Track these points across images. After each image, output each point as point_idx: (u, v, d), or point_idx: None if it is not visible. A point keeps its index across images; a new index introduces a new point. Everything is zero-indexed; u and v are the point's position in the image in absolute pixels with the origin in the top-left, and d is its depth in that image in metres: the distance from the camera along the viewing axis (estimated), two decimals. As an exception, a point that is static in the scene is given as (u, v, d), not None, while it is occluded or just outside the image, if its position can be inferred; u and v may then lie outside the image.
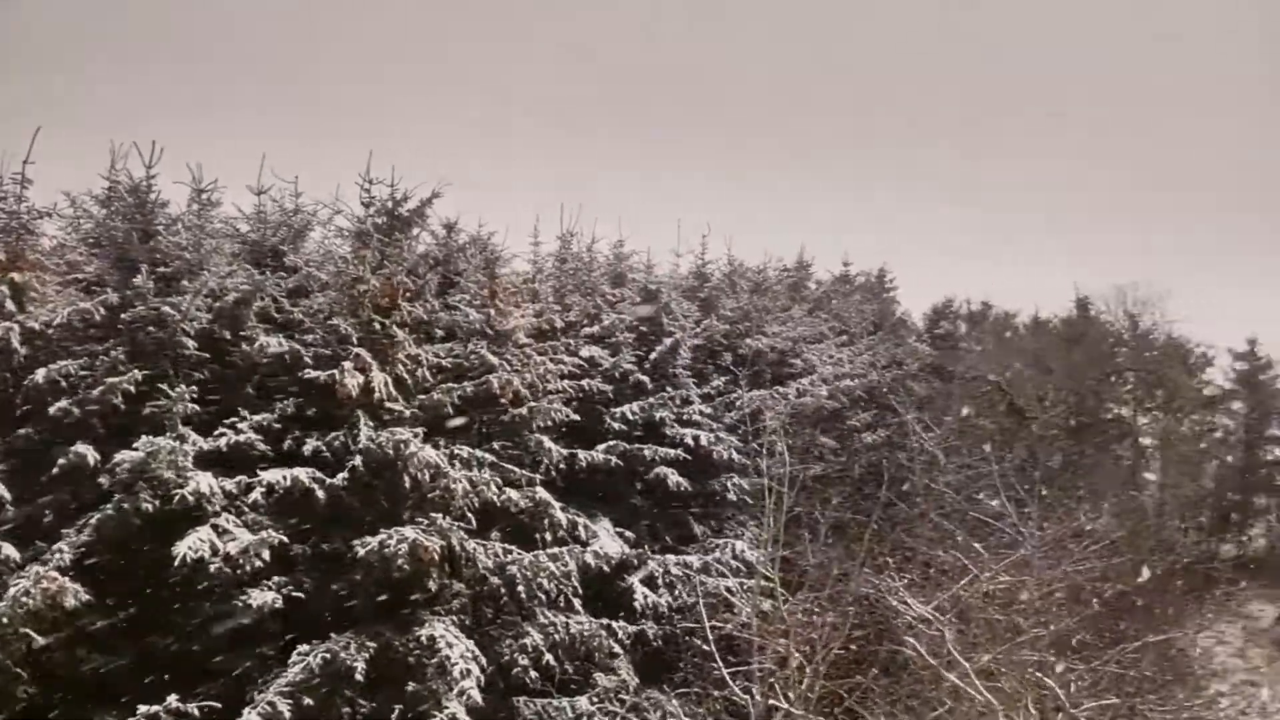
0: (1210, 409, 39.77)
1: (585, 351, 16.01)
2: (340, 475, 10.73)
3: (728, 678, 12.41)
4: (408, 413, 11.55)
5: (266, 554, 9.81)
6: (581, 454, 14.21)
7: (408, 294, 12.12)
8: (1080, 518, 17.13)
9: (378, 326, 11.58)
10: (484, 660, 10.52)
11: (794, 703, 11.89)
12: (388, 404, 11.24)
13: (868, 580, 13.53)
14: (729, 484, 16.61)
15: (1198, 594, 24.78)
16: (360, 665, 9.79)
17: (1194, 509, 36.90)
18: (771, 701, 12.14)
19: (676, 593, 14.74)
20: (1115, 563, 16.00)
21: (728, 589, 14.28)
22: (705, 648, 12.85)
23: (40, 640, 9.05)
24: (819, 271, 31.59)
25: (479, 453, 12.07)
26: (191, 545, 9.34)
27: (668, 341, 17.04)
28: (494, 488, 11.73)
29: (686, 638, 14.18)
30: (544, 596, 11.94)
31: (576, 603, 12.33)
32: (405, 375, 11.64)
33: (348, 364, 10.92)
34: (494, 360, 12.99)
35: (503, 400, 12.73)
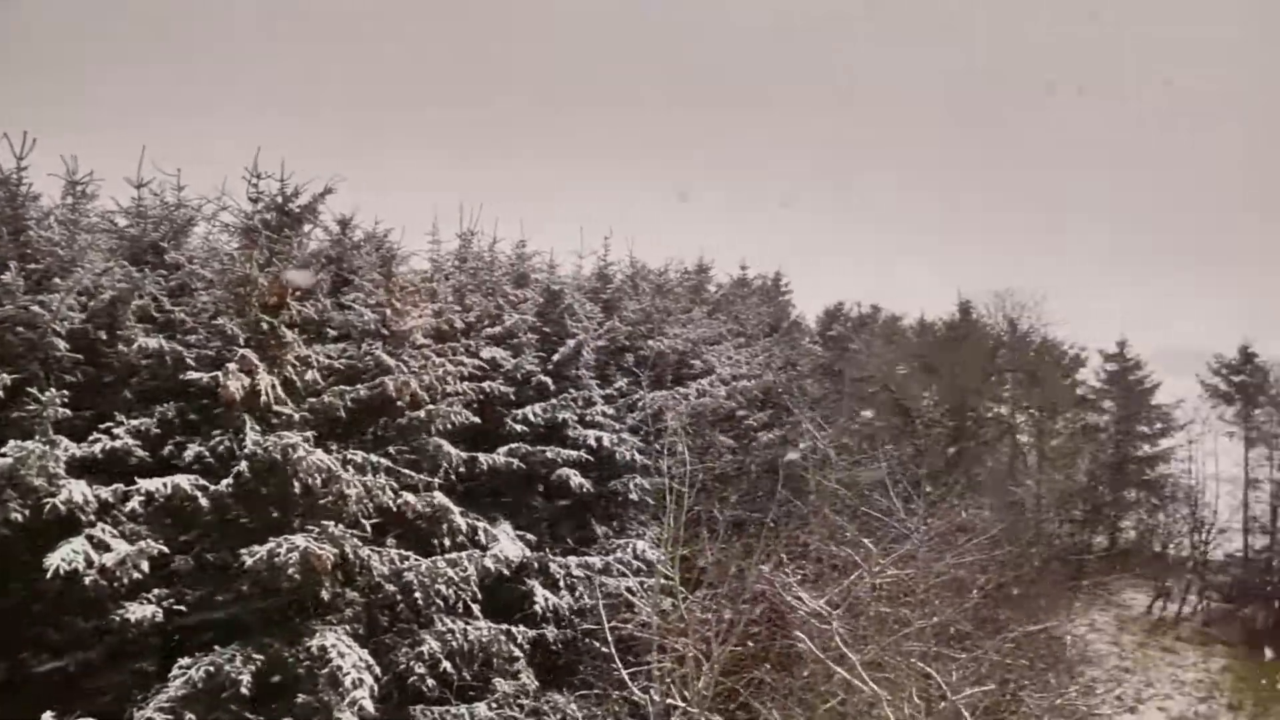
0: (1083, 408, 42.08)
1: (486, 353, 15.87)
2: (225, 482, 10.37)
3: (627, 678, 12.50)
4: (297, 416, 11.24)
5: (146, 565, 9.44)
6: (482, 457, 14.07)
7: (298, 293, 11.77)
8: (962, 513, 17.89)
9: (265, 326, 11.21)
10: (378, 669, 10.33)
11: (691, 700, 12.07)
12: (276, 407, 10.90)
13: (763, 577, 13.82)
14: (631, 484, 16.70)
15: (1072, 584, 26.32)
16: (246, 678, 9.52)
17: (1068, 503, 39.01)
18: (669, 700, 12.29)
19: (578, 594, 14.76)
20: (995, 555, 16.77)
21: (628, 589, 14.37)
22: (605, 649, 12.90)
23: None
24: (718, 274, 32.24)
25: (374, 457, 11.83)
26: (65, 557, 8.91)
27: (571, 343, 17.04)
28: (390, 492, 11.51)
29: (587, 640, 14.21)
30: (442, 603, 11.77)
31: (475, 608, 12.18)
32: (294, 377, 11.31)
33: (232, 365, 10.55)
34: (390, 362, 12.73)
35: (399, 403, 12.49)
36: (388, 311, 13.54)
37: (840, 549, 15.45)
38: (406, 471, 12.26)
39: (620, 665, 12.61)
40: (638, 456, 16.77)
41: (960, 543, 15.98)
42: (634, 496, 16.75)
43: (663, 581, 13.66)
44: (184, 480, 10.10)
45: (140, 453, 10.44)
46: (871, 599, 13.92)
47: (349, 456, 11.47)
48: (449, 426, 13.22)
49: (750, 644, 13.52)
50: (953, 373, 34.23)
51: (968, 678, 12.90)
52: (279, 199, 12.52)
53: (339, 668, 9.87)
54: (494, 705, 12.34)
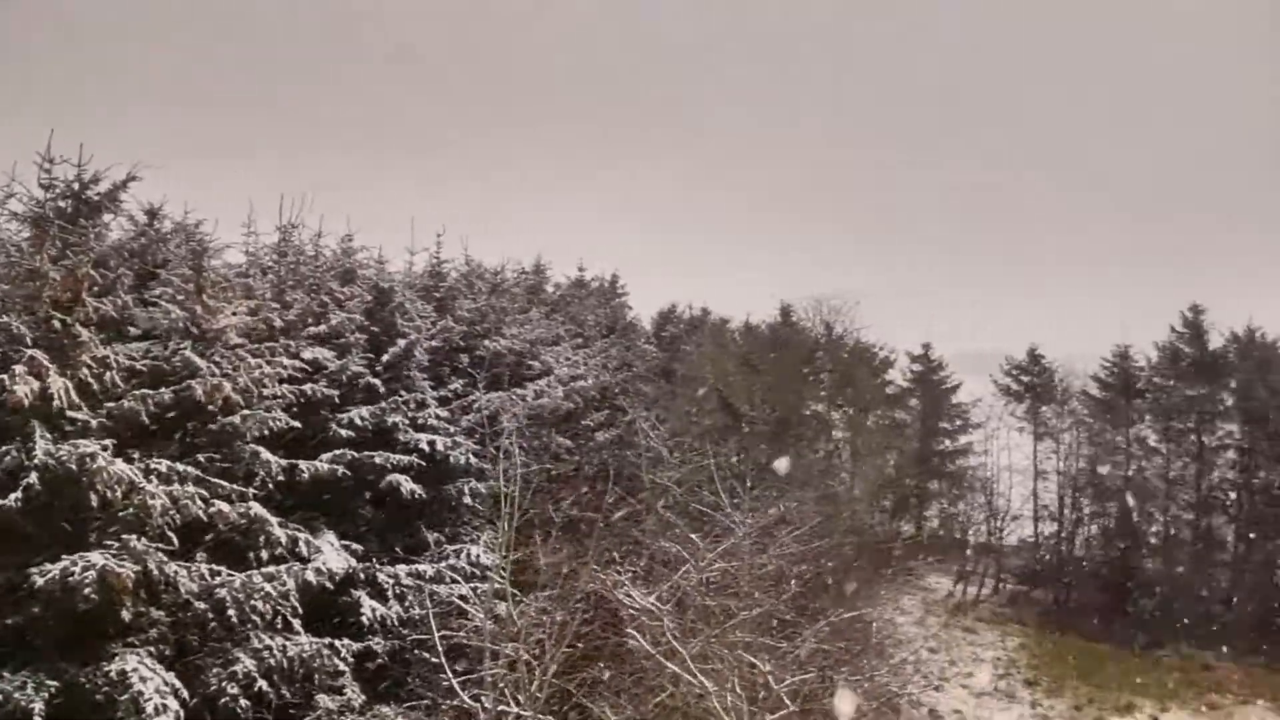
0: (892, 405, 45.13)
1: (309, 353, 15.19)
2: (13, 495, 9.56)
3: (457, 687, 12.30)
4: (94, 422, 10.45)
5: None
6: (303, 464, 13.45)
7: (95, 288, 10.92)
8: (782, 507, 18.68)
9: (58, 325, 10.39)
10: (186, 693, 9.75)
11: (523, 704, 12.03)
12: (70, 412, 10.12)
13: (595, 576, 13.96)
14: (465, 488, 16.40)
15: (882, 571, 28.12)
16: (38, 706, 8.89)
17: (879, 495, 41.64)
18: (501, 706, 12.19)
19: (407, 604, 14.35)
20: (813, 546, 17.66)
21: (461, 596, 14.12)
22: (435, 659, 12.65)
23: None
24: (556, 275, 32.34)
25: (181, 466, 11.10)
26: None
27: (402, 343, 16.57)
28: (199, 503, 10.82)
29: (416, 650, 13.87)
30: (259, 619, 11.20)
31: (296, 623, 11.68)
32: (91, 380, 10.51)
33: (20, 367, 9.73)
34: (200, 363, 12.00)
35: (210, 407, 11.78)
36: (198, 309, 12.74)
37: (670, 545, 15.83)
38: (218, 481, 11.57)
39: (450, 674, 12.40)
40: (473, 460, 16.50)
41: (781, 535, 16.71)
42: (468, 501, 16.46)
43: (496, 586, 13.54)
44: (-39, 495, 9.18)
45: (-88, 465, 9.47)
46: (699, 593, 14.35)
47: (153, 465, 10.74)
48: (266, 432, 12.60)
49: (583, 644, 13.61)
50: (775, 374, 35.77)
51: (788, 666, 13.54)
52: (75, 185, 11.55)
53: (140, 693, 9.28)
54: (316, 722, 11.84)
